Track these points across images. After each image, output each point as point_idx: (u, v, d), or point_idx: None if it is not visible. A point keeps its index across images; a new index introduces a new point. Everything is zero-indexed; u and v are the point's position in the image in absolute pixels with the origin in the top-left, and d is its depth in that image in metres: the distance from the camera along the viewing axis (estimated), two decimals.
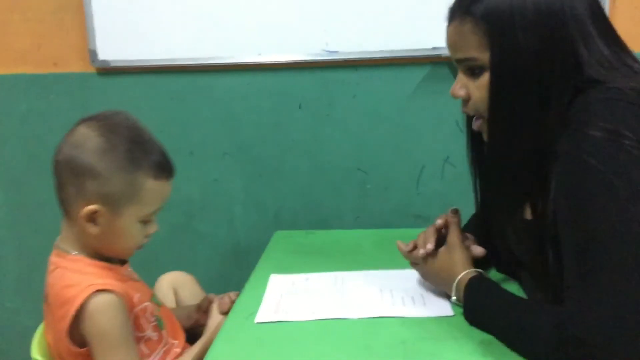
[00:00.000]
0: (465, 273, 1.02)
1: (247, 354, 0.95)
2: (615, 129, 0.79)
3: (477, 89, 0.93)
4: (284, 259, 1.39)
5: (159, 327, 1.12)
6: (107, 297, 1.00)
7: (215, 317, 1.20)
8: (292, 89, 1.72)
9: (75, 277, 1.03)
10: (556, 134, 0.85)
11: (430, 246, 1.08)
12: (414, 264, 1.14)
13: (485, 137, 0.98)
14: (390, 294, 1.13)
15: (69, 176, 1.03)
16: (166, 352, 1.13)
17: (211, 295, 1.28)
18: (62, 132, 1.78)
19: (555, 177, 0.85)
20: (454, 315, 1.02)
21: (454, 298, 1.03)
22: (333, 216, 1.78)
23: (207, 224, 1.83)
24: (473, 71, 0.94)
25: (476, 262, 1.11)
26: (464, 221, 1.29)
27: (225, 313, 1.16)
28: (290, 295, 1.15)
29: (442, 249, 1.09)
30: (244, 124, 1.75)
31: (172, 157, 1.74)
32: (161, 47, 1.68)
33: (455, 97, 0.98)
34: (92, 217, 1.02)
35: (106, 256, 1.09)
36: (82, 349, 1.01)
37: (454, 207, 1.13)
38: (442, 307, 1.06)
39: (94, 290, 0.99)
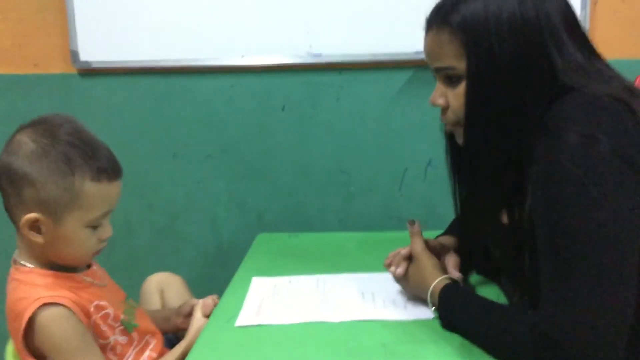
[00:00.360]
0: (436, 282, 1.02)
1: (227, 358, 0.94)
2: (591, 134, 0.80)
3: (455, 97, 0.94)
4: (267, 262, 1.38)
5: (127, 331, 1.09)
6: (54, 311, 0.97)
7: (198, 320, 1.18)
8: (276, 91, 1.72)
9: (25, 289, 1.00)
10: (532, 140, 0.86)
11: (400, 270, 1.10)
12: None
13: (461, 143, 0.99)
14: (372, 297, 1.13)
15: (7, 185, 1.00)
16: (139, 353, 1.11)
17: (194, 300, 1.27)
18: None
19: (532, 181, 0.86)
20: (434, 319, 1.03)
21: (432, 308, 1.03)
22: (316, 218, 1.78)
23: (191, 226, 1.82)
24: (451, 80, 0.95)
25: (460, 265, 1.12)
26: (447, 223, 1.31)
27: (208, 316, 1.16)
28: (272, 298, 1.15)
29: (410, 265, 1.10)
30: (228, 126, 1.75)
31: (154, 159, 1.75)
32: (144, 49, 1.68)
33: (434, 105, 0.99)
34: (34, 226, 0.99)
35: (62, 265, 1.06)
36: None
37: (411, 219, 1.14)
38: (423, 311, 1.06)
39: (41, 304, 0.96)
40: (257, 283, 1.23)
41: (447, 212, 1.33)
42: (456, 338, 0.95)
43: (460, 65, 0.91)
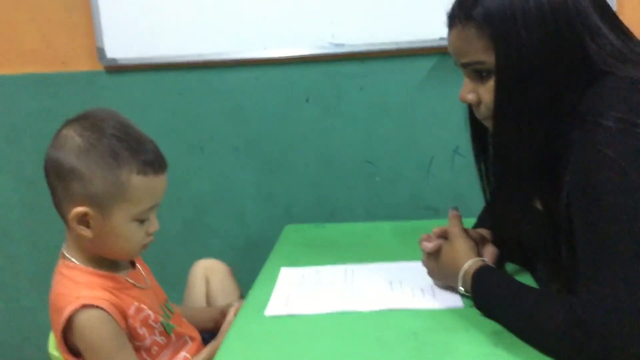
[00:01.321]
0: (471, 262, 1.01)
1: (258, 348, 0.95)
2: (629, 119, 0.79)
3: (487, 92, 0.93)
4: (295, 253, 1.39)
5: (166, 332, 1.10)
6: (92, 313, 0.98)
7: (229, 323, 1.18)
8: (300, 83, 1.72)
9: (68, 285, 1.02)
10: (568, 126, 0.85)
11: (432, 245, 1.08)
12: (424, 262, 1.14)
13: (491, 136, 0.98)
14: (400, 286, 1.13)
15: (55, 179, 1.01)
16: (174, 353, 1.12)
17: (235, 303, 1.28)
18: None
19: (569, 167, 0.84)
20: (463, 307, 1.02)
21: (461, 289, 1.02)
22: (343, 209, 1.78)
23: (218, 219, 1.84)
24: (480, 74, 0.93)
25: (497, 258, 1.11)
26: (477, 211, 1.30)
27: None
28: (301, 288, 1.15)
29: (444, 243, 1.08)
30: (252, 119, 1.76)
31: (181, 153, 1.77)
32: (168, 44, 1.69)
33: (464, 102, 0.98)
34: (82, 220, 1.00)
35: (110, 260, 1.07)
36: (77, 359, 1.01)
37: (454, 207, 1.13)
38: (452, 299, 1.05)
39: (81, 304, 0.98)
40: (286, 273, 1.24)
41: (475, 200, 1.32)
42: (488, 326, 0.94)
43: (489, 59, 0.90)
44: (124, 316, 1.03)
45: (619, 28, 0.90)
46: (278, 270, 1.25)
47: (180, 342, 1.14)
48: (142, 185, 1.00)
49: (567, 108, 0.86)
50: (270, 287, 1.17)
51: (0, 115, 1.83)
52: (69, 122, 1.02)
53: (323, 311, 1.05)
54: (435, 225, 1.13)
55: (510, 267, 1.17)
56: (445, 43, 1.60)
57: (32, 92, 1.81)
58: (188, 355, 1.13)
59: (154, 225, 1.07)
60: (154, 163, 1.02)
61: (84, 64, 1.76)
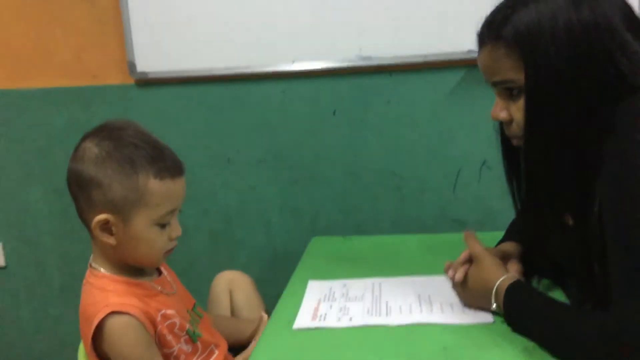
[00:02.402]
0: (502, 280, 1.00)
1: None
2: None
3: (519, 110, 0.92)
4: (322, 265, 1.39)
5: (192, 340, 1.11)
6: (122, 320, 1.00)
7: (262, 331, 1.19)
8: (327, 96, 1.72)
9: (97, 294, 1.04)
10: (600, 141, 0.84)
11: (460, 275, 1.07)
12: (454, 290, 1.12)
13: (523, 153, 0.97)
14: (429, 301, 1.12)
15: (77, 190, 1.04)
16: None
17: (264, 316, 1.29)
18: None
19: (602, 181, 0.83)
20: (494, 322, 1.01)
21: (494, 306, 1.00)
22: (370, 221, 1.78)
23: (245, 231, 1.84)
24: (511, 93, 0.93)
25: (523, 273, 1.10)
26: (504, 225, 1.28)
27: None
28: (329, 302, 1.15)
29: (470, 268, 1.07)
30: (280, 131, 1.76)
31: (209, 165, 1.78)
32: (197, 58, 1.71)
33: (496, 120, 0.98)
34: (105, 228, 1.02)
35: (136, 268, 1.09)
36: None
37: (466, 229, 1.12)
38: (482, 314, 1.04)
39: (110, 311, 0.99)
40: (313, 286, 1.24)
41: (504, 213, 1.31)
42: (519, 342, 0.93)
43: (519, 77, 0.89)
44: (153, 322, 1.04)
45: None
46: (304, 283, 1.25)
47: (207, 351, 1.14)
48: (160, 189, 1.02)
49: (600, 123, 0.85)
50: (297, 300, 1.16)
51: (32, 128, 1.87)
52: (87, 135, 1.05)
53: (352, 325, 1.04)
54: (463, 239, 1.12)
55: (543, 281, 1.15)
56: (472, 56, 1.60)
57: (63, 105, 1.84)
58: None
59: (176, 230, 1.08)
60: (171, 168, 1.04)
61: (115, 78, 1.79)
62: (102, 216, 1.01)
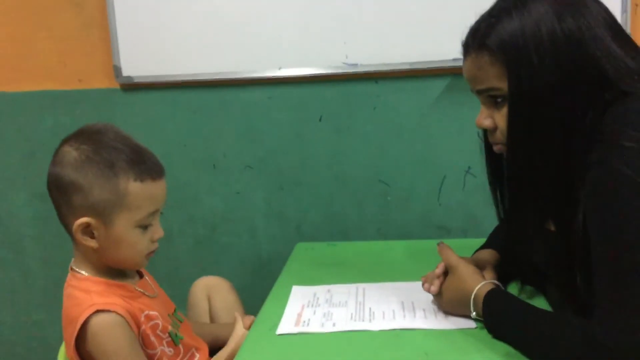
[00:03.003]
0: (479, 287, 1.00)
1: None
2: None
3: (503, 118, 0.93)
4: (306, 271, 1.39)
5: (174, 343, 1.11)
6: (107, 317, 0.99)
7: (238, 331, 1.20)
8: (313, 102, 1.73)
9: (80, 296, 1.03)
10: (585, 148, 0.85)
11: (434, 288, 1.08)
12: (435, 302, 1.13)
13: (506, 160, 0.98)
14: (412, 306, 1.13)
15: (57, 195, 1.04)
16: None
17: (236, 314, 1.29)
18: None
19: (587, 187, 0.84)
20: (476, 328, 1.01)
21: (473, 314, 1.01)
22: (354, 228, 1.78)
23: (230, 236, 1.84)
24: (495, 101, 0.94)
25: (501, 274, 1.11)
26: (489, 232, 1.29)
27: (249, 328, 1.17)
28: (312, 307, 1.15)
29: (447, 278, 1.08)
30: (266, 137, 1.77)
31: (194, 171, 1.78)
32: (184, 63, 1.71)
33: (481, 128, 0.99)
34: (86, 231, 1.02)
35: (118, 270, 1.09)
36: None
37: (439, 242, 1.13)
38: (465, 320, 1.04)
39: (95, 310, 0.99)
40: (297, 292, 1.24)
41: (487, 220, 1.32)
42: (501, 347, 0.94)
43: (503, 85, 0.91)
44: (137, 322, 1.04)
45: (632, 49, 0.90)
46: (289, 289, 1.25)
47: (189, 354, 1.14)
48: (141, 191, 1.02)
49: (584, 131, 0.86)
50: (281, 305, 1.16)
51: (16, 131, 1.85)
52: (66, 139, 1.05)
53: (335, 330, 1.04)
54: (447, 245, 1.13)
55: (525, 287, 1.16)
56: (458, 64, 1.61)
57: (48, 109, 1.83)
58: None
59: (158, 232, 1.08)
60: (151, 170, 1.04)
61: (100, 82, 1.78)
62: (83, 220, 1.01)
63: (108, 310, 1.00)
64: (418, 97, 1.69)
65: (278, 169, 1.78)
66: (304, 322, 1.08)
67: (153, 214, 1.06)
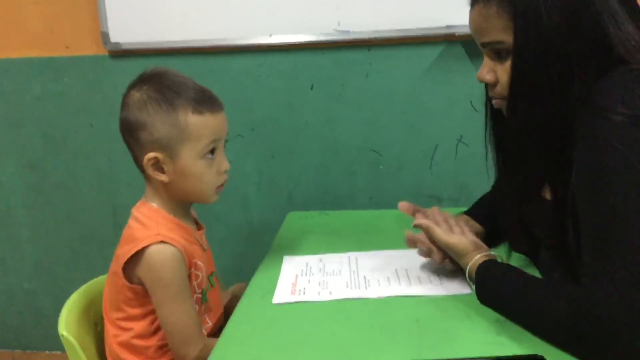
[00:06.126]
0: (473, 261, 1.01)
1: (263, 333, 0.96)
2: (636, 115, 0.79)
3: (505, 72, 0.93)
4: (298, 240, 1.39)
5: (200, 301, 1.15)
6: (170, 249, 1.05)
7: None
8: (304, 70, 1.71)
9: (148, 222, 1.09)
10: (578, 115, 0.85)
11: (438, 256, 1.09)
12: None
13: (506, 115, 0.97)
14: (405, 274, 1.13)
15: (127, 136, 1.09)
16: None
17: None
18: (76, 114, 1.81)
19: (576, 157, 0.84)
20: (470, 293, 1.02)
21: (471, 284, 1.02)
22: (346, 197, 1.78)
23: (222, 205, 1.83)
24: (499, 54, 0.93)
25: (488, 239, 1.12)
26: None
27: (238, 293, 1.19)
28: (306, 276, 1.15)
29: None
30: (257, 106, 1.75)
31: None
32: (172, 29, 1.68)
33: (482, 81, 0.98)
34: (157, 166, 1.08)
35: (185, 212, 1.15)
36: (133, 285, 1.07)
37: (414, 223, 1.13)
38: (459, 286, 1.06)
39: (160, 240, 1.05)
40: (289, 261, 1.24)
41: (478, 188, 1.32)
42: (491, 314, 0.95)
43: (508, 38, 0.90)
44: (189, 264, 1.09)
45: (636, 16, 0.89)
46: (281, 258, 1.26)
47: (203, 318, 1.17)
48: (200, 123, 1.07)
49: (579, 95, 0.86)
50: (274, 275, 1.17)
51: (3, 99, 1.83)
52: (130, 85, 1.11)
53: (328, 298, 1.05)
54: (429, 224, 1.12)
55: (515, 254, 1.17)
56: (451, 31, 1.60)
57: (35, 76, 1.80)
58: (204, 332, 1.15)
59: (224, 164, 1.13)
60: (209, 103, 1.09)
61: (88, 48, 1.76)
62: (151, 154, 1.06)
63: (171, 244, 1.05)
64: (411, 64, 1.67)
65: (269, 138, 1.77)
66: (300, 291, 1.09)
67: (215, 142, 1.09)
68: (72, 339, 1.07)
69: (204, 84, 1.73)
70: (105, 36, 1.71)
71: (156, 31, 1.69)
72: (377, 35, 1.63)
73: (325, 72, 1.70)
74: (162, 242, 1.05)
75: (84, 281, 1.22)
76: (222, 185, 1.15)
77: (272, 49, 1.69)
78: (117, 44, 1.71)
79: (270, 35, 1.66)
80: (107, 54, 1.75)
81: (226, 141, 1.15)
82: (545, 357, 0.82)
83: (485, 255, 1.02)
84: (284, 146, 1.77)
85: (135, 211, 1.13)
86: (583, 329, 0.78)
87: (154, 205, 1.12)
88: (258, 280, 1.17)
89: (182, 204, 1.14)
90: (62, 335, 1.08)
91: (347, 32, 1.64)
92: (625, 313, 0.75)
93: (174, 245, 1.05)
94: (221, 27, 1.67)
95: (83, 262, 1.92)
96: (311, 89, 1.72)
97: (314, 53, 1.69)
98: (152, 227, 1.08)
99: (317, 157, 1.77)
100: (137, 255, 1.05)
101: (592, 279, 0.79)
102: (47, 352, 2.02)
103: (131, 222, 1.12)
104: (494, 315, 0.94)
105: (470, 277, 1.02)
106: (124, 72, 1.75)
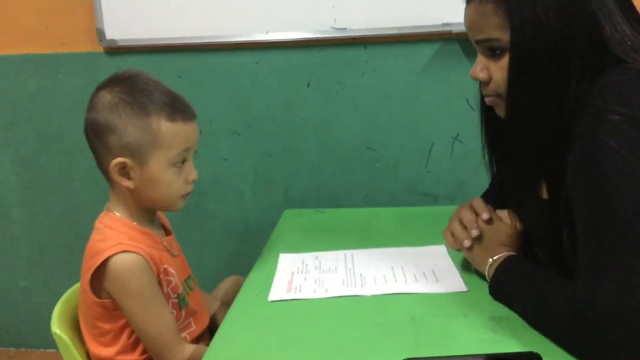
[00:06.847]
0: (496, 257, 1.01)
1: (259, 330, 0.95)
2: (632, 114, 0.79)
3: (499, 69, 0.92)
4: (294, 238, 1.39)
5: (179, 306, 1.12)
6: (133, 257, 1.02)
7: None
8: (301, 67, 1.71)
9: (110, 233, 1.06)
10: (574, 115, 0.84)
11: (475, 232, 1.06)
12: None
13: (502, 116, 0.97)
14: (402, 271, 1.13)
15: (94, 138, 1.06)
16: (180, 330, 1.13)
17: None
18: (71, 111, 1.80)
19: (572, 157, 0.84)
20: (467, 291, 1.02)
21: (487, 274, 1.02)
22: (342, 195, 1.78)
23: (217, 203, 1.83)
24: (494, 52, 0.93)
25: None
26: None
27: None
28: (302, 274, 1.15)
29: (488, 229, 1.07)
30: (253, 103, 1.75)
31: None
32: (168, 26, 1.68)
33: (475, 79, 0.98)
34: (123, 171, 1.05)
35: (150, 219, 1.12)
36: (102, 300, 1.04)
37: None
38: (455, 283, 1.06)
39: (122, 249, 1.02)
40: (285, 259, 1.24)
41: (475, 187, 1.33)
42: (487, 312, 0.95)
43: (504, 36, 0.89)
44: (157, 271, 1.07)
45: (633, 16, 0.89)
46: (277, 255, 1.25)
47: (187, 322, 1.15)
48: (172, 130, 1.05)
49: (575, 95, 0.86)
50: (269, 272, 1.17)
51: None
52: (100, 86, 1.08)
53: (324, 296, 1.05)
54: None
55: None
56: (447, 29, 1.60)
57: (30, 73, 1.80)
58: (188, 337, 1.13)
59: (192, 174, 1.11)
60: (182, 111, 1.07)
61: (83, 45, 1.75)
62: (118, 159, 1.03)
63: (135, 253, 1.02)
64: (407, 62, 1.67)
65: (265, 136, 1.77)
66: (296, 288, 1.08)
67: (186, 152, 1.08)
68: (65, 337, 1.06)
69: (200, 81, 1.75)
70: (100, 33, 1.70)
71: (152, 28, 1.68)
72: (373, 32, 1.63)
73: (321, 69, 1.70)
74: (124, 251, 1.02)
75: (79, 279, 1.21)
76: (188, 193, 1.12)
77: (269, 46, 1.69)
78: (112, 40, 1.70)
79: (267, 33, 1.66)
80: (102, 50, 1.74)
81: (195, 152, 1.12)
82: (541, 354, 0.82)
83: (510, 254, 1.02)
84: (280, 144, 1.77)
85: (97, 223, 1.10)
86: (580, 330, 0.78)
87: (117, 214, 1.09)
88: (254, 277, 1.16)
89: (147, 211, 1.12)
90: (55, 333, 1.07)
91: (344, 29, 1.63)
92: (620, 313, 0.75)
93: (137, 253, 1.02)
94: (217, 23, 1.66)
95: (78, 259, 1.91)
96: (307, 86, 1.72)
97: (310, 50, 1.69)
98: (112, 238, 1.04)
99: (313, 154, 1.76)
100: (101, 268, 1.02)
101: (588, 278, 0.79)
102: (42, 350, 2.02)
103: (93, 234, 1.09)
104: (490, 313, 0.94)
105: (491, 265, 1.01)
106: (120, 69, 1.74)
